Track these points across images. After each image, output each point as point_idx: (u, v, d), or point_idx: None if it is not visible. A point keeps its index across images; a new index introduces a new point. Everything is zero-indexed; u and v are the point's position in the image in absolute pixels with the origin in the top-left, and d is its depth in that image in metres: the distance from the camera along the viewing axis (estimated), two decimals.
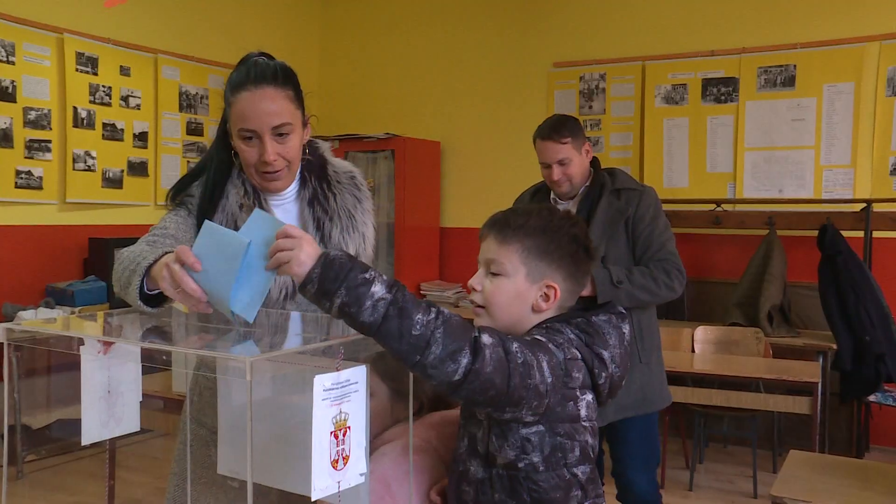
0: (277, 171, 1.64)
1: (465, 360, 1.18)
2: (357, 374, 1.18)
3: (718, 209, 4.89)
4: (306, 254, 1.20)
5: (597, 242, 2.51)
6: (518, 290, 1.38)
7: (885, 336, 4.14)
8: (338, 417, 1.16)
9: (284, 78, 1.62)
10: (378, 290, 1.17)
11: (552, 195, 2.80)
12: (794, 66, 4.90)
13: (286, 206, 1.74)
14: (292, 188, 1.75)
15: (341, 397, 1.16)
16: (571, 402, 1.33)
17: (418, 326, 1.17)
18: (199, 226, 1.71)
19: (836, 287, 4.26)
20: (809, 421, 3.66)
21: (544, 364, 1.27)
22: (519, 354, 1.24)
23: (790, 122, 4.92)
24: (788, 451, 2.52)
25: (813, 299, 4.55)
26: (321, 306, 1.19)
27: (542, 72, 5.67)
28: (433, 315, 1.18)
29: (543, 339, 1.31)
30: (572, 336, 1.34)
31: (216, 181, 1.71)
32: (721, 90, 5.11)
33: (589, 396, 1.36)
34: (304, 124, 1.69)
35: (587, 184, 2.74)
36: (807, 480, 2.23)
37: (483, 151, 5.89)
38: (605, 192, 2.68)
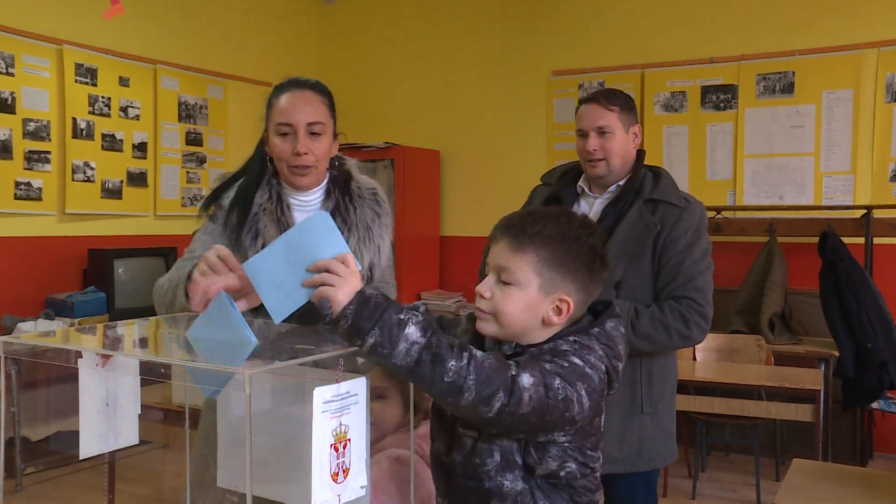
0: (308, 167, 1.78)
1: (498, 404, 1.18)
2: (357, 386, 1.17)
3: (718, 216, 4.89)
4: (345, 293, 1.19)
5: (614, 262, 2.09)
6: (529, 301, 1.33)
7: (887, 343, 4.12)
8: (338, 430, 1.15)
9: (323, 89, 1.83)
10: (412, 332, 1.17)
11: (580, 183, 2.35)
12: (793, 73, 4.90)
13: (309, 212, 1.82)
14: (317, 198, 1.86)
15: (341, 409, 1.15)
16: (598, 417, 1.36)
17: (451, 374, 1.17)
18: (229, 235, 1.80)
19: (838, 294, 4.25)
20: (812, 429, 3.64)
21: (583, 393, 1.26)
22: (560, 391, 1.23)
23: (789, 129, 4.92)
24: (791, 460, 2.51)
25: (814, 306, 4.54)
26: (352, 343, 1.19)
27: (542, 80, 5.68)
28: (465, 361, 1.18)
29: (580, 364, 1.29)
30: (601, 353, 1.33)
31: (248, 190, 1.82)
32: (720, 97, 5.11)
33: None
34: (335, 135, 1.85)
35: (622, 182, 2.28)
36: (810, 489, 2.22)
37: (483, 160, 5.89)
38: (639, 201, 2.21)
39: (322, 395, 1.12)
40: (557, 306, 1.34)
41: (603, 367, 1.32)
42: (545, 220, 1.35)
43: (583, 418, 1.28)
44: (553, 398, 1.21)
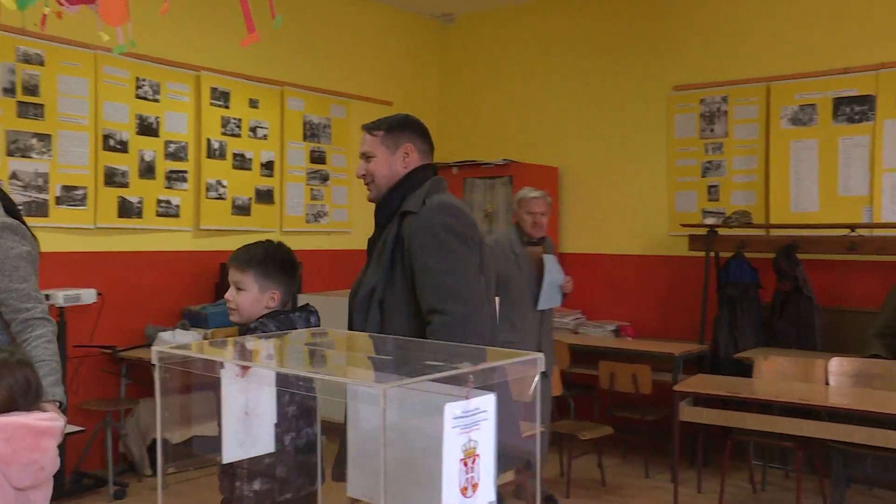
0: None
1: None
2: (486, 403, 1.19)
3: (853, 234, 4.63)
4: None
5: (374, 282, 2.11)
6: (256, 298, 2.16)
7: None
8: (467, 445, 1.17)
9: None
10: None
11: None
12: None
13: None
14: None
15: (471, 425, 1.17)
16: None
17: None
18: None
19: None
20: None
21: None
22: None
23: None
24: None
25: None
26: None
27: (662, 95, 5.57)
28: None
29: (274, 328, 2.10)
30: (273, 328, 2.09)
31: None
32: (855, 109, 4.85)
33: None
34: None
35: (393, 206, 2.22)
36: None
37: (602, 176, 5.82)
38: (397, 217, 2.15)
39: (452, 410, 1.14)
40: (272, 297, 2.17)
41: None
42: (255, 248, 2.19)
43: None
44: None
